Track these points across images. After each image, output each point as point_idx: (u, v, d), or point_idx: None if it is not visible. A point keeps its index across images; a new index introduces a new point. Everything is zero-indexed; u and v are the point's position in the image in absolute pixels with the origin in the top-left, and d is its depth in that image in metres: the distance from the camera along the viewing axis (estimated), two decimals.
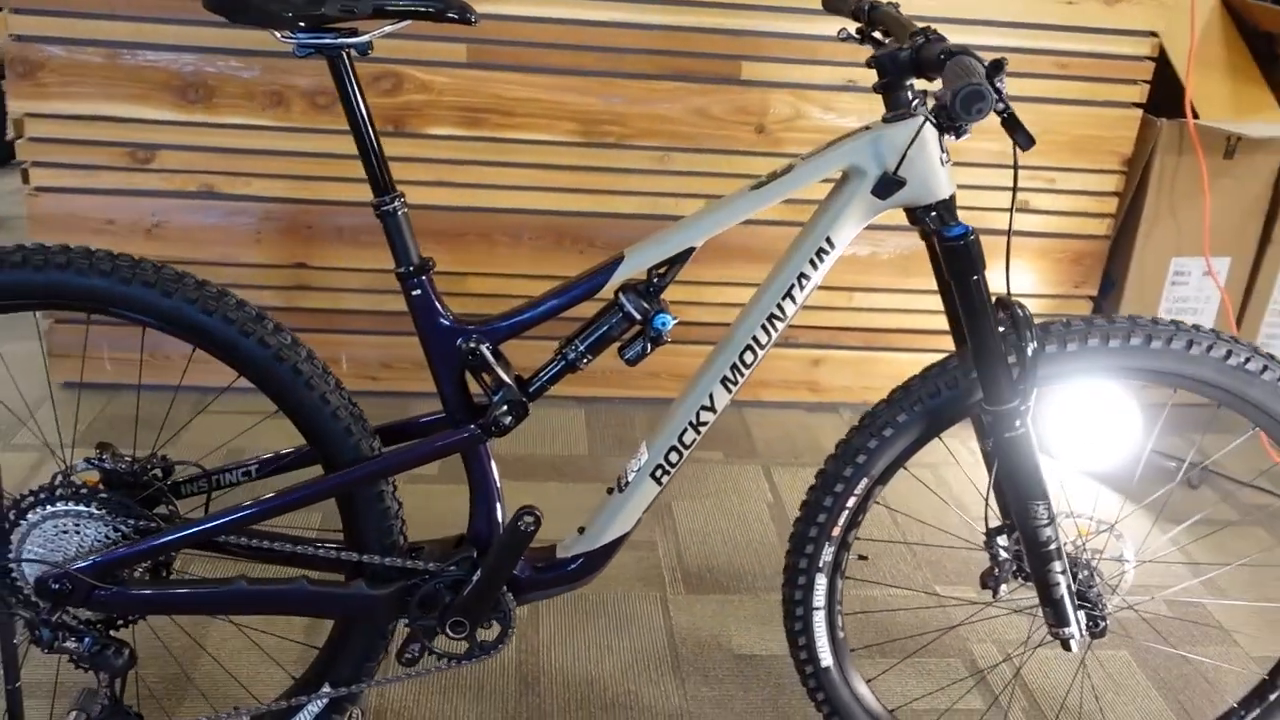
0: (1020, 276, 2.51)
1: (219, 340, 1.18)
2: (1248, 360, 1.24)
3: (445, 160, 2.29)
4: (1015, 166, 1.13)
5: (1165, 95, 2.44)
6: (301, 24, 1.08)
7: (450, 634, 1.29)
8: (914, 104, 1.16)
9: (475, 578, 1.27)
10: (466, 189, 2.31)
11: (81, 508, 1.21)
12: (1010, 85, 2.16)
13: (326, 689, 1.34)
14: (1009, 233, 1.23)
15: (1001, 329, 1.21)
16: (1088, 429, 2.35)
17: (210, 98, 2.20)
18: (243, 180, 2.27)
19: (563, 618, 1.83)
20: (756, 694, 1.69)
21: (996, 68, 0.96)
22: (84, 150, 2.22)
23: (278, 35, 1.10)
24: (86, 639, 1.24)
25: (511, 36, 2.20)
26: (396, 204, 1.20)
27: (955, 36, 2.13)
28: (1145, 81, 2.37)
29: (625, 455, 2.29)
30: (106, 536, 1.23)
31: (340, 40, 1.11)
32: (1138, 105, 2.39)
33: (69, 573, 1.19)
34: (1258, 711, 1.43)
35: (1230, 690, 1.76)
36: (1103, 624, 1.34)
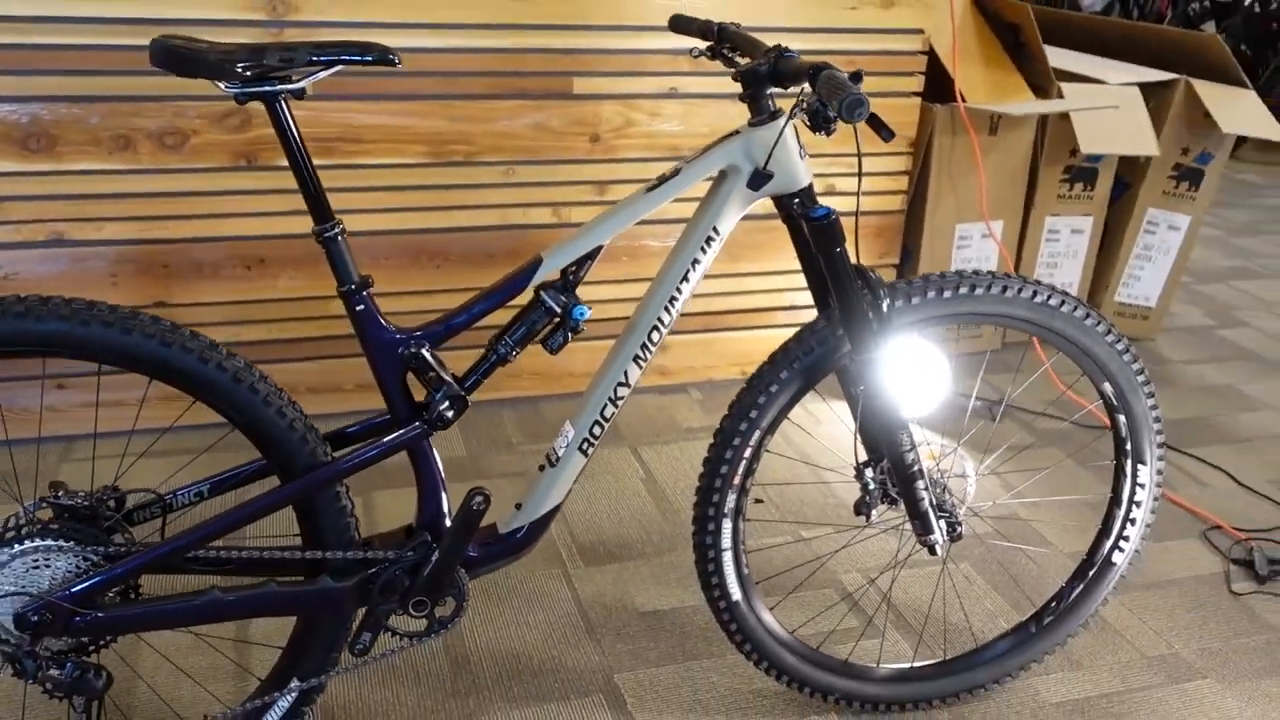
0: None
1: (179, 370, 1.27)
2: (1049, 298, 1.53)
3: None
4: (859, 155, 1.37)
5: (936, 85, 2.80)
6: (247, 75, 1.19)
7: (413, 613, 1.42)
8: (774, 110, 1.38)
9: (433, 559, 1.40)
10: None
11: (51, 542, 1.28)
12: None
13: (295, 683, 1.44)
14: (856, 213, 1.47)
15: (864, 290, 1.45)
16: (909, 384, 2.67)
17: (54, 146, 2.20)
18: (93, 225, 2.28)
19: (479, 603, 1.97)
20: (665, 642, 1.89)
21: (857, 78, 1.19)
22: None
23: (221, 86, 1.21)
24: (68, 665, 1.30)
25: (355, 68, 2.30)
26: (336, 231, 1.32)
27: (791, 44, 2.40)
28: (920, 73, 2.71)
29: (501, 453, 2.46)
30: (77, 566, 1.29)
31: (279, 87, 1.23)
32: (916, 94, 2.73)
33: (51, 603, 1.26)
34: (1081, 586, 1.74)
35: (1056, 575, 2.09)
36: (959, 529, 1.61)
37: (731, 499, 1.56)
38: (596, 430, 1.45)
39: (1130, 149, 2.93)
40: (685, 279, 1.42)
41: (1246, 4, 6.27)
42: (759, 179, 1.39)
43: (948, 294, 1.50)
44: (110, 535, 1.34)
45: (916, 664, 1.77)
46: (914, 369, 2.64)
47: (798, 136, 1.41)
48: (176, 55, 1.19)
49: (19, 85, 2.14)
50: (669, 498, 2.32)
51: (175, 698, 1.68)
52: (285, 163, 2.32)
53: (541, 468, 1.48)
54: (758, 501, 2.24)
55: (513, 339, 1.38)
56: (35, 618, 1.27)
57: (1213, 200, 5.10)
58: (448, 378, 1.37)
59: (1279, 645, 1.97)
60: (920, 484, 1.55)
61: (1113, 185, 3.11)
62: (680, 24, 1.60)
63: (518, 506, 1.49)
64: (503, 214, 2.51)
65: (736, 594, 1.62)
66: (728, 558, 1.59)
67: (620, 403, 1.45)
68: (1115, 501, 1.71)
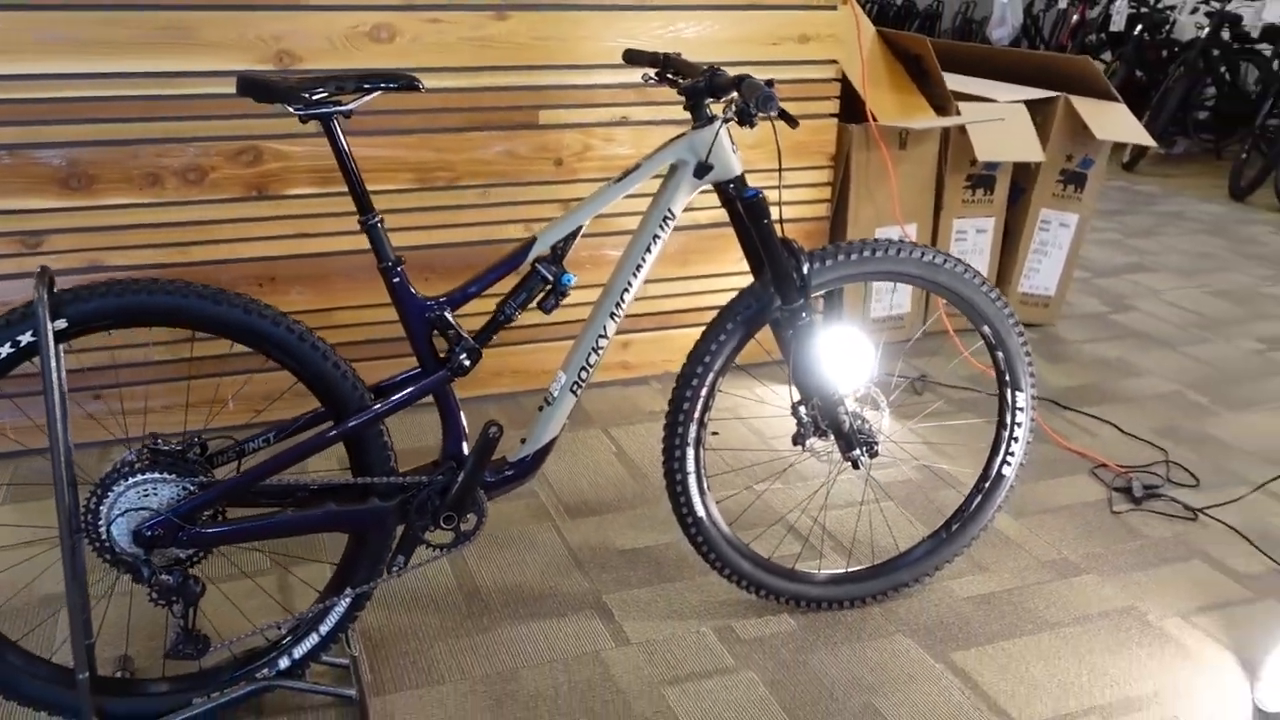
0: None
1: (257, 332, 1.62)
2: (934, 258, 1.94)
3: (304, 215, 2.73)
4: (778, 147, 1.78)
5: (852, 108, 3.24)
6: (309, 99, 1.57)
7: (443, 526, 1.78)
8: (711, 116, 1.78)
9: (459, 480, 1.76)
10: (325, 238, 2.76)
11: (157, 474, 1.62)
12: None
13: (349, 591, 1.79)
14: (780, 192, 1.87)
15: (790, 257, 1.85)
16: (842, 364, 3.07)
17: (92, 184, 2.55)
18: (127, 252, 2.62)
19: (483, 550, 2.31)
20: (643, 571, 2.25)
21: (770, 83, 1.59)
22: None
23: (290, 109, 1.58)
24: (175, 572, 1.63)
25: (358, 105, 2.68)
26: (376, 220, 1.69)
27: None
28: (835, 97, 3.15)
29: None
30: (177, 494, 1.63)
31: (332, 109, 1.61)
32: (833, 115, 3.17)
33: (164, 518, 1.60)
34: (979, 498, 2.13)
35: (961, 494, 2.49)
36: (875, 448, 2.00)
37: (693, 430, 1.94)
38: (583, 374, 1.82)
39: (1020, 156, 3.38)
40: (649, 250, 1.81)
41: (1136, 34, 6.87)
42: (702, 170, 1.79)
43: (854, 256, 1.90)
44: (200, 471, 1.68)
45: (851, 569, 2.15)
46: (844, 350, 3.06)
47: (730, 136, 1.81)
48: (256, 85, 1.56)
49: (61, 133, 2.48)
50: (638, 465, 2.69)
51: (246, 614, 2.01)
52: (291, 191, 2.70)
53: (540, 408, 1.84)
54: (714, 434, 2.64)
55: (515, 302, 1.76)
56: (149, 532, 1.60)
57: (1098, 200, 5.62)
58: (465, 334, 1.74)
59: (1148, 549, 2.38)
60: (841, 410, 1.94)
61: (1010, 190, 3.57)
62: (633, 57, 2.00)
63: (522, 441, 1.85)
64: (481, 231, 2.89)
65: (701, 511, 1.99)
66: (692, 480, 1.97)
67: (601, 352, 1.83)
68: (1001, 424, 2.11)
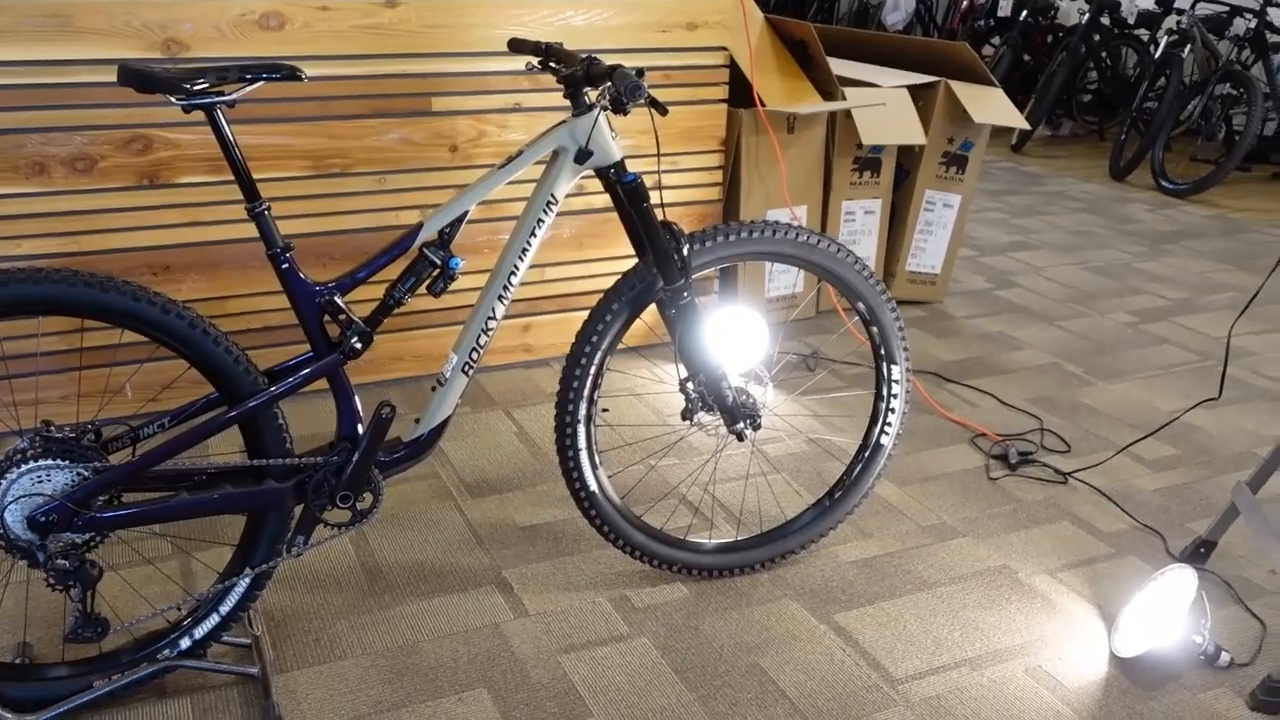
0: None
1: (148, 320, 1.65)
2: (809, 238, 2.04)
3: (196, 204, 2.73)
4: (655, 133, 1.85)
5: (743, 93, 3.34)
6: (192, 90, 1.59)
7: (340, 505, 1.82)
8: (590, 104, 1.85)
9: (354, 460, 1.81)
10: (217, 225, 2.76)
11: (50, 461, 1.64)
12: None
13: (248, 570, 1.82)
14: (659, 178, 1.94)
15: (670, 239, 1.93)
16: (735, 343, 3.18)
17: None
18: (13, 242, 2.59)
19: (383, 529, 2.36)
20: (542, 546, 2.32)
21: (640, 73, 1.66)
22: None
23: (172, 99, 1.60)
24: (70, 557, 1.65)
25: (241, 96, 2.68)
26: (264, 207, 1.72)
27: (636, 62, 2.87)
28: (724, 83, 3.24)
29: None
30: (72, 479, 1.65)
31: (214, 99, 1.63)
32: (723, 101, 3.26)
33: (59, 504, 1.61)
34: (860, 466, 2.25)
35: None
36: (759, 421, 2.10)
37: (583, 408, 2.01)
38: (474, 355, 1.88)
39: (902, 139, 3.52)
40: (534, 233, 1.87)
41: (1021, 20, 7.12)
42: (582, 155, 1.86)
43: (732, 238, 1.99)
44: (94, 457, 1.70)
45: (738, 538, 2.25)
46: (737, 329, 3.15)
47: (610, 123, 1.88)
48: (138, 75, 1.58)
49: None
50: (538, 445, 2.75)
51: (148, 599, 2.03)
52: (183, 180, 2.70)
53: (433, 388, 1.90)
54: (604, 410, 2.72)
55: (404, 286, 1.81)
56: (43, 518, 1.62)
57: (985, 180, 5.84)
58: (355, 318, 1.78)
59: (1021, 511, 2.53)
60: (724, 384, 2.03)
61: (895, 172, 3.71)
62: (516, 45, 2.05)
63: (416, 421, 1.90)
64: (378, 217, 2.91)
65: (593, 485, 2.06)
66: (584, 456, 2.04)
67: (491, 333, 1.89)
68: (878, 396, 2.22)
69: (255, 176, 2.74)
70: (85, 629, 1.71)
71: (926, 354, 3.46)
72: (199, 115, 2.66)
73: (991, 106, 3.62)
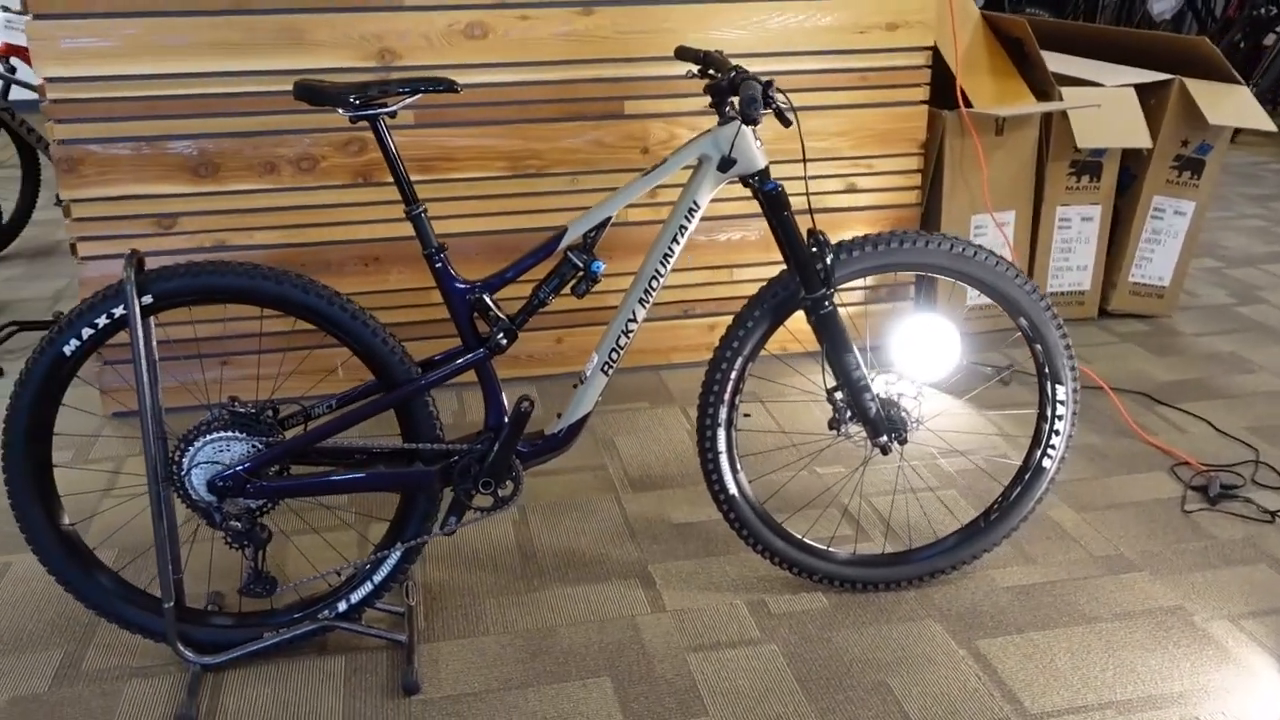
0: None
1: (315, 310, 1.82)
2: (963, 249, 1.97)
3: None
4: (801, 139, 1.85)
5: (949, 93, 3.23)
6: (356, 103, 1.74)
7: (481, 490, 1.94)
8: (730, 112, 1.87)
9: (495, 448, 1.92)
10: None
11: (231, 433, 1.84)
12: (826, 97, 2.94)
13: (399, 545, 1.98)
14: (806, 187, 1.94)
15: (814, 248, 1.92)
16: (925, 352, 3.10)
17: (217, 172, 2.82)
18: (247, 234, 2.89)
19: (544, 515, 2.48)
20: (692, 544, 2.36)
21: (769, 84, 1.67)
22: (118, 224, 2.83)
23: (340, 111, 1.76)
24: (243, 520, 1.86)
25: (448, 101, 2.88)
26: (421, 210, 1.86)
27: (780, 64, 2.93)
28: (924, 84, 3.15)
29: None
30: (248, 451, 1.85)
31: (378, 110, 1.78)
32: (923, 103, 3.17)
33: (234, 472, 1.81)
34: (1019, 489, 2.15)
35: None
36: (904, 435, 2.05)
37: (723, 412, 2.04)
38: (614, 355, 1.95)
39: (1124, 142, 3.29)
40: (676, 240, 1.91)
41: None
42: (726, 164, 1.88)
43: (880, 247, 1.95)
44: (270, 432, 1.89)
45: (883, 552, 2.20)
46: (926, 337, 3.07)
47: (754, 131, 1.89)
48: (310, 90, 1.74)
49: (191, 126, 2.77)
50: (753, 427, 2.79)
51: (312, 561, 2.24)
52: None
53: (575, 386, 1.98)
54: (745, 415, 2.73)
55: (549, 287, 1.90)
56: (222, 483, 1.83)
57: (1249, 184, 5.33)
58: (503, 316, 1.89)
59: (1213, 550, 2.34)
60: (868, 396, 2.00)
61: (1119, 176, 3.48)
62: (682, 53, 2.09)
63: (558, 416, 1.99)
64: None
65: (733, 488, 2.09)
66: (724, 459, 2.07)
67: (631, 335, 1.95)
68: (1041, 417, 2.12)
69: (456, 176, 2.93)
70: (256, 585, 1.91)
71: (1140, 372, 3.23)
72: (408, 117, 2.90)
73: (1232, 107, 3.33)
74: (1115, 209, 3.53)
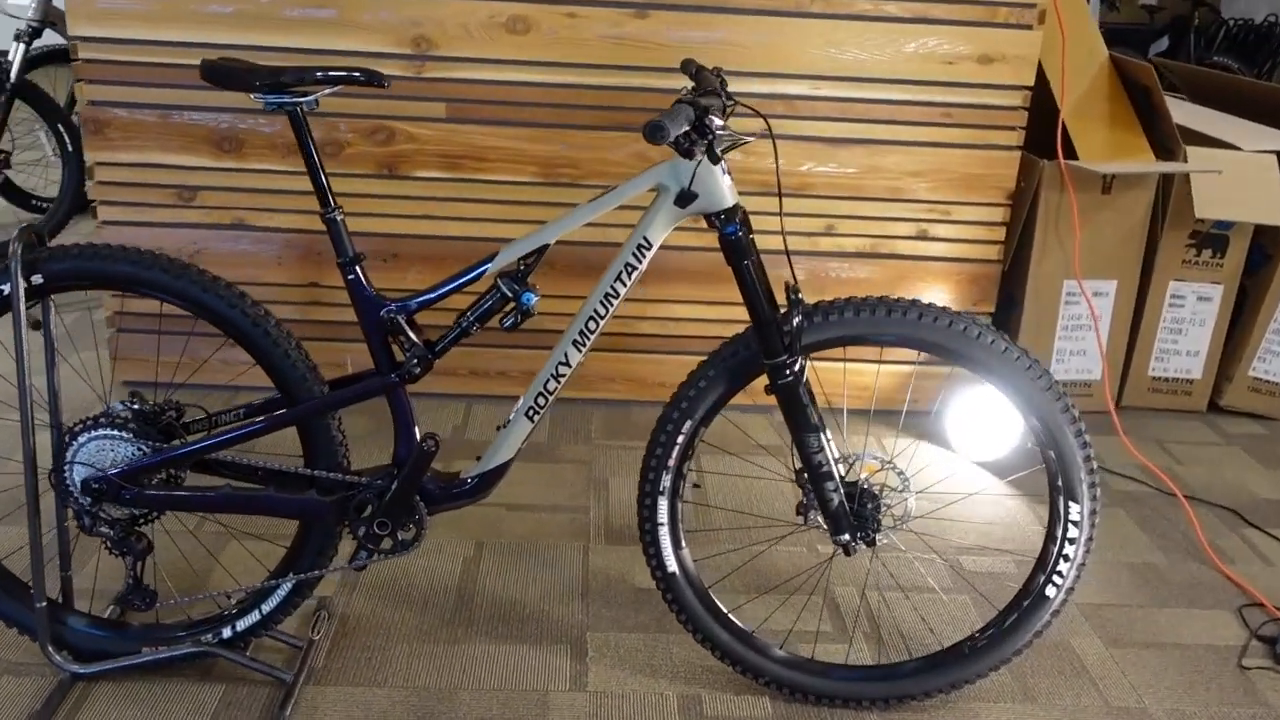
0: (926, 296, 2.91)
1: (213, 310, 1.65)
2: (967, 328, 1.65)
3: (429, 198, 2.78)
4: (778, 172, 1.57)
5: (1054, 138, 2.85)
6: (267, 88, 1.57)
7: (377, 531, 1.74)
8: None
9: (393, 487, 1.72)
10: (448, 221, 2.80)
11: (115, 432, 1.69)
12: (900, 131, 2.63)
13: (291, 576, 1.80)
14: (785, 240, 1.66)
15: (783, 307, 1.64)
16: (982, 427, 2.74)
17: (240, 148, 2.72)
18: (267, 215, 2.78)
19: (500, 555, 2.26)
20: (645, 615, 2.11)
21: (705, 109, 1.41)
22: (140, 191, 2.76)
23: (253, 97, 1.59)
24: (116, 527, 1.71)
25: (482, 96, 2.70)
26: (337, 214, 1.67)
27: (855, 92, 2.62)
28: (1019, 128, 2.78)
29: (577, 443, 2.75)
30: (133, 454, 1.70)
31: (296, 100, 1.60)
32: (1017, 148, 2.80)
33: (106, 475, 1.67)
34: (1015, 616, 1.81)
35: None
36: (871, 535, 1.74)
37: (666, 479, 1.78)
38: (540, 400, 1.72)
39: (1252, 217, 2.85)
40: (620, 279, 1.66)
41: None
42: (685, 198, 1.62)
43: (863, 314, 1.66)
44: (168, 437, 1.74)
45: (849, 663, 1.90)
46: (978, 420, 2.71)
47: (723, 163, 1.62)
48: (218, 72, 1.58)
49: (219, 98, 2.67)
50: (711, 501, 2.52)
51: (204, 582, 2.09)
52: (418, 173, 2.76)
53: (498, 429, 1.76)
54: (695, 486, 2.44)
55: (473, 315, 1.68)
56: (95, 485, 1.68)
57: None
58: (417, 341, 1.68)
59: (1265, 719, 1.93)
60: (829, 485, 1.71)
61: (1249, 254, 3.02)
62: (685, 65, 1.84)
63: (478, 459, 1.78)
64: (602, 232, 2.80)
65: (672, 565, 1.82)
66: (664, 532, 1.81)
67: (562, 379, 1.71)
68: (1049, 537, 1.77)
69: (485, 177, 2.75)
70: (134, 597, 1.77)
71: (1237, 484, 2.78)
72: (439, 110, 2.73)
73: None
74: (1241, 290, 3.07)
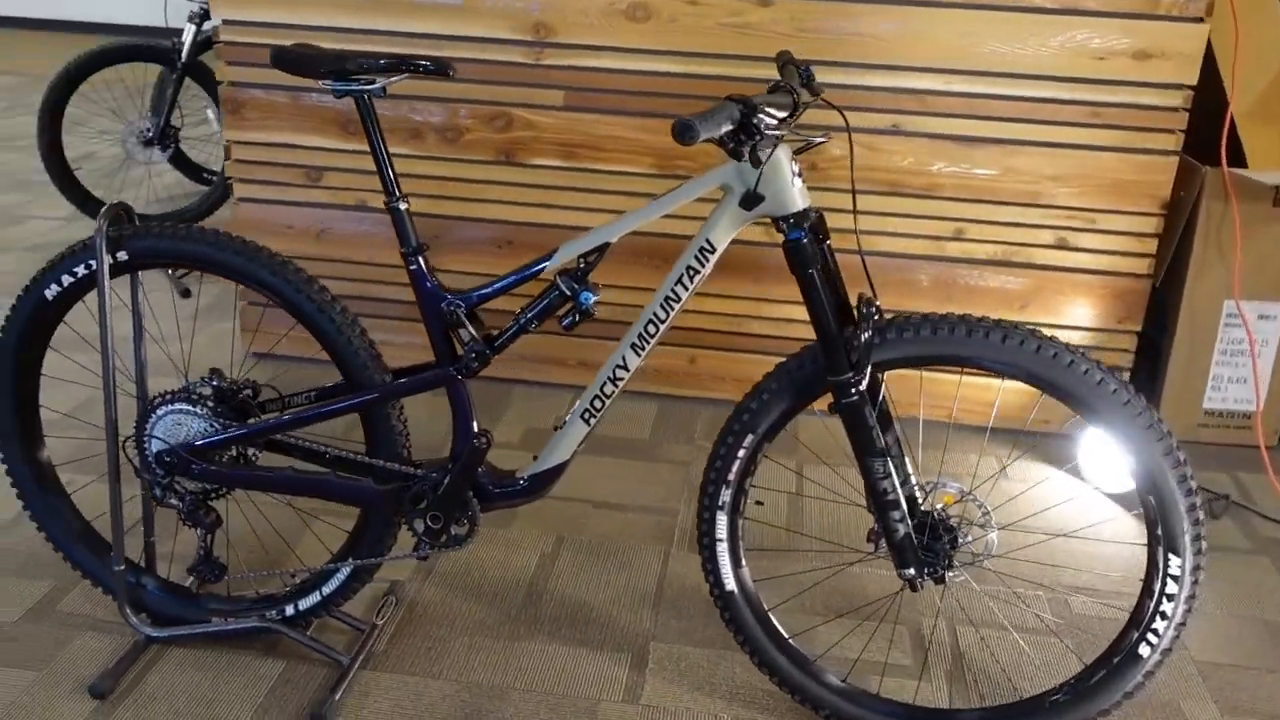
0: (1065, 310, 2.70)
1: (279, 293, 1.67)
2: (1056, 353, 1.49)
3: (545, 186, 2.76)
4: (852, 172, 1.46)
5: (1230, 145, 2.59)
6: (333, 75, 1.57)
7: (430, 524, 1.73)
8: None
9: (445, 482, 1.70)
10: (563, 210, 2.78)
11: (189, 408, 1.74)
12: (1049, 132, 2.46)
13: (351, 561, 1.81)
14: (860, 248, 1.55)
15: (852, 322, 1.53)
16: (1113, 456, 2.53)
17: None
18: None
19: (578, 553, 2.23)
20: (716, 629, 2.03)
21: (753, 108, 1.31)
22: (273, 170, 2.85)
23: (321, 84, 1.59)
24: (186, 499, 1.76)
25: (600, 85, 2.65)
26: (402, 203, 1.66)
27: (992, 88, 2.46)
28: (1179, 131, 2.53)
29: (679, 444, 2.68)
30: (204, 430, 1.74)
31: (362, 87, 1.59)
32: (1174, 152, 2.55)
33: (175, 449, 1.72)
34: (1102, 674, 1.64)
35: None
36: (940, 571, 1.61)
37: (726, 494, 1.69)
38: (597, 404, 1.66)
39: None
40: (681, 283, 1.59)
41: None
42: (751, 200, 1.53)
43: (943, 332, 1.52)
44: (243, 415, 1.78)
45: (914, 703, 1.77)
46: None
47: (793, 164, 1.52)
48: (287, 58, 1.58)
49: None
50: (807, 514, 2.41)
51: (271, 556, 2.13)
52: (535, 161, 2.74)
53: (555, 429, 1.71)
54: (758, 503, 2.31)
55: (531, 313, 1.64)
56: (167, 458, 1.74)
57: None
58: (475, 335, 1.66)
59: None
60: (894, 514, 1.58)
61: None
62: (779, 57, 1.75)
63: (534, 458, 1.74)
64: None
65: (731, 584, 1.74)
66: (722, 548, 1.73)
67: (620, 383, 1.65)
68: (1146, 591, 1.60)
69: (601, 167, 2.71)
70: (203, 568, 1.82)
71: None
72: (557, 98, 2.70)
73: None
74: None
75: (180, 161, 4.34)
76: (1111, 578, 2.24)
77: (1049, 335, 1.52)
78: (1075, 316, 2.71)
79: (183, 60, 3.90)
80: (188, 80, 3.98)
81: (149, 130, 4.00)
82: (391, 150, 2.75)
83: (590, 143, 2.71)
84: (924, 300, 2.73)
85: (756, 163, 1.34)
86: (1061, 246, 2.66)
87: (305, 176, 2.85)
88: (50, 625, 1.94)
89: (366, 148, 2.74)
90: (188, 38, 3.88)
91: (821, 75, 2.56)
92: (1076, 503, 2.50)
